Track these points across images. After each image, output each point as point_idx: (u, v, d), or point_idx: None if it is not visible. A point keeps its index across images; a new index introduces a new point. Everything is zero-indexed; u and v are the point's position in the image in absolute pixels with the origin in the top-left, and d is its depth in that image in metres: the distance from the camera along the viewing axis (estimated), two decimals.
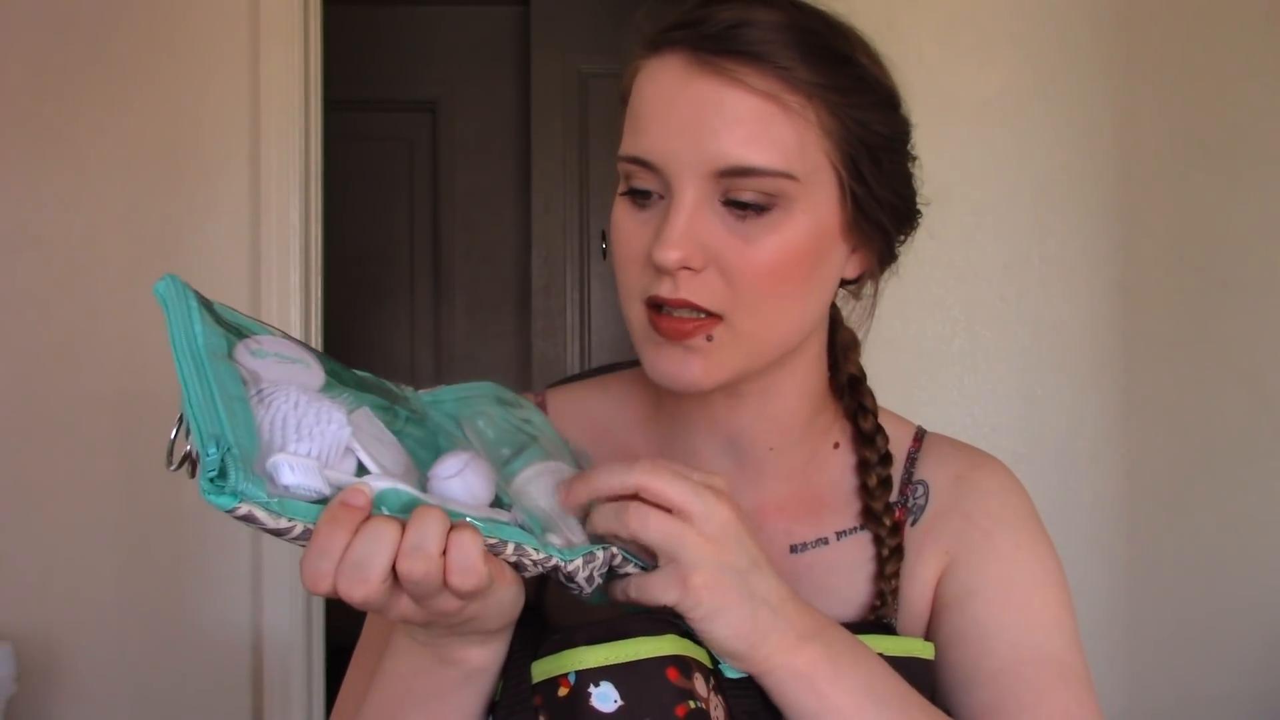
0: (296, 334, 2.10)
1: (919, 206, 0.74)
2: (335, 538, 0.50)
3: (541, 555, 0.56)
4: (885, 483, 0.75)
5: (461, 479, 0.57)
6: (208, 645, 2.09)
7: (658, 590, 0.58)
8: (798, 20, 0.66)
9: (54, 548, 2.07)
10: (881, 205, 0.69)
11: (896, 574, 0.72)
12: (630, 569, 0.60)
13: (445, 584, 0.52)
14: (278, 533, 0.51)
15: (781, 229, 0.64)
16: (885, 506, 0.74)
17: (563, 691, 0.58)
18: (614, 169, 0.70)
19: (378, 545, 0.51)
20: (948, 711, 0.67)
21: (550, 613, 0.73)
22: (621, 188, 0.68)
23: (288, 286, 2.11)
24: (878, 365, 2.25)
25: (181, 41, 2.10)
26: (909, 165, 0.73)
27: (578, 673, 0.58)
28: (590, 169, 3.86)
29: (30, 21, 2.09)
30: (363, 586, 0.50)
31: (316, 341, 2.19)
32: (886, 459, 0.75)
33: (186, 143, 2.11)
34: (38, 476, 2.07)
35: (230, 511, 0.49)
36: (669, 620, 0.61)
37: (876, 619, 0.72)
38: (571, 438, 0.72)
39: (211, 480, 0.49)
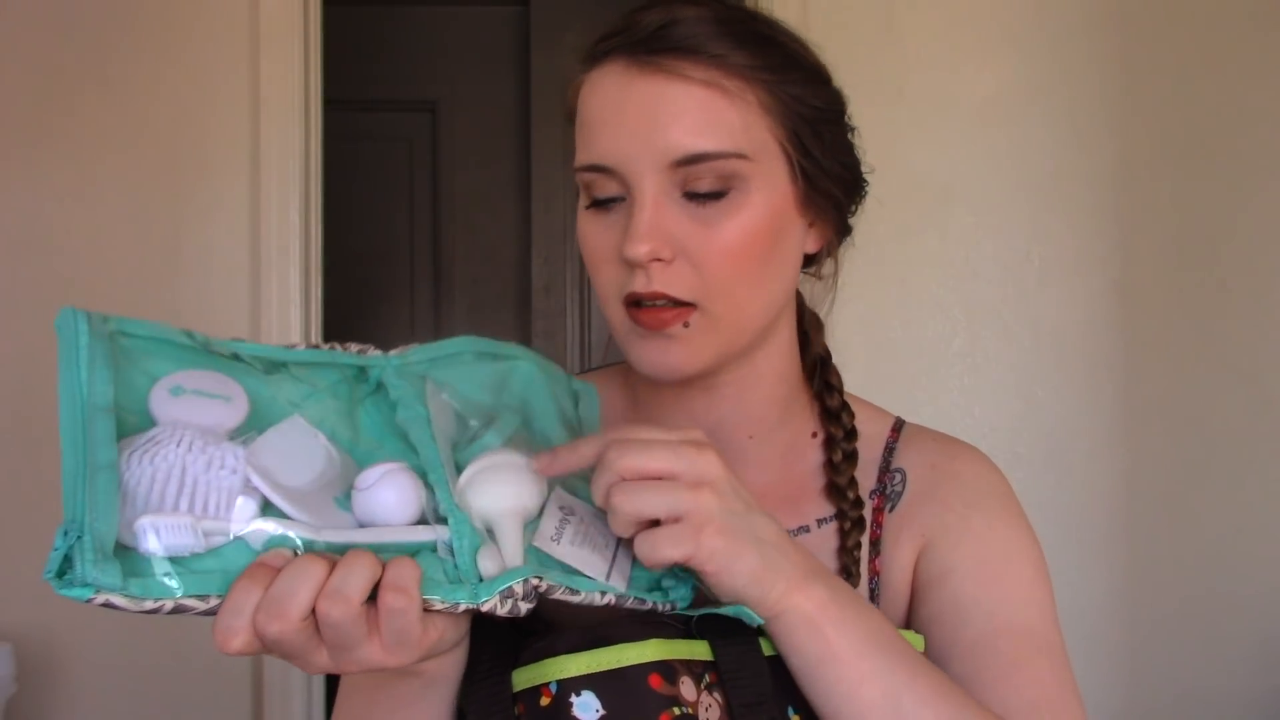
0: (296, 334, 2.10)
1: (864, 175, 0.77)
2: (251, 594, 0.49)
3: (447, 605, 0.53)
4: (850, 457, 0.76)
5: (374, 491, 0.55)
6: (208, 645, 2.08)
7: (668, 547, 0.56)
8: (720, 13, 0.69)
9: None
10: (830, 176, 0.72)
11: (858, 546, 0.74)
12: (560, 594, 0.57)
13: (368, 611, 0.51)
14: (147, 612, 0.48)
15: (740, 211, 0.67)
16: (849, 481, 0.75)
17: (544, 701, 0.58)
18: None
19: (299, 582, 0.49)
20: None
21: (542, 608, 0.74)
22: (583, 201, 0.70)
23: (288, 286, 2.11)
24: (878, 365, 2.24)
25: (182, 42, 2.10)
26: (849, 136, 0.75)
27: (559, 682, 0.58)
28: None
29: (31, 22, 2.09)
30: (278, 622, 0.49)
31: (317, 341, 2.18)
32: (851, 434, 0.77)
33: (186, 143, 2.10)
34: (38, 476, 2.07)
35: (89, 601, 0.47)
36: (653, 623, 0.61)
37: None
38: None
39: (59, 576, 0.47)
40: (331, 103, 2.32)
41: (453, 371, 0.64)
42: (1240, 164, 2.09)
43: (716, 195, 0.66)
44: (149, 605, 0.48)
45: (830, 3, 2.07)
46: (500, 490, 0.58)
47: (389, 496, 0.55)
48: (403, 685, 0.61)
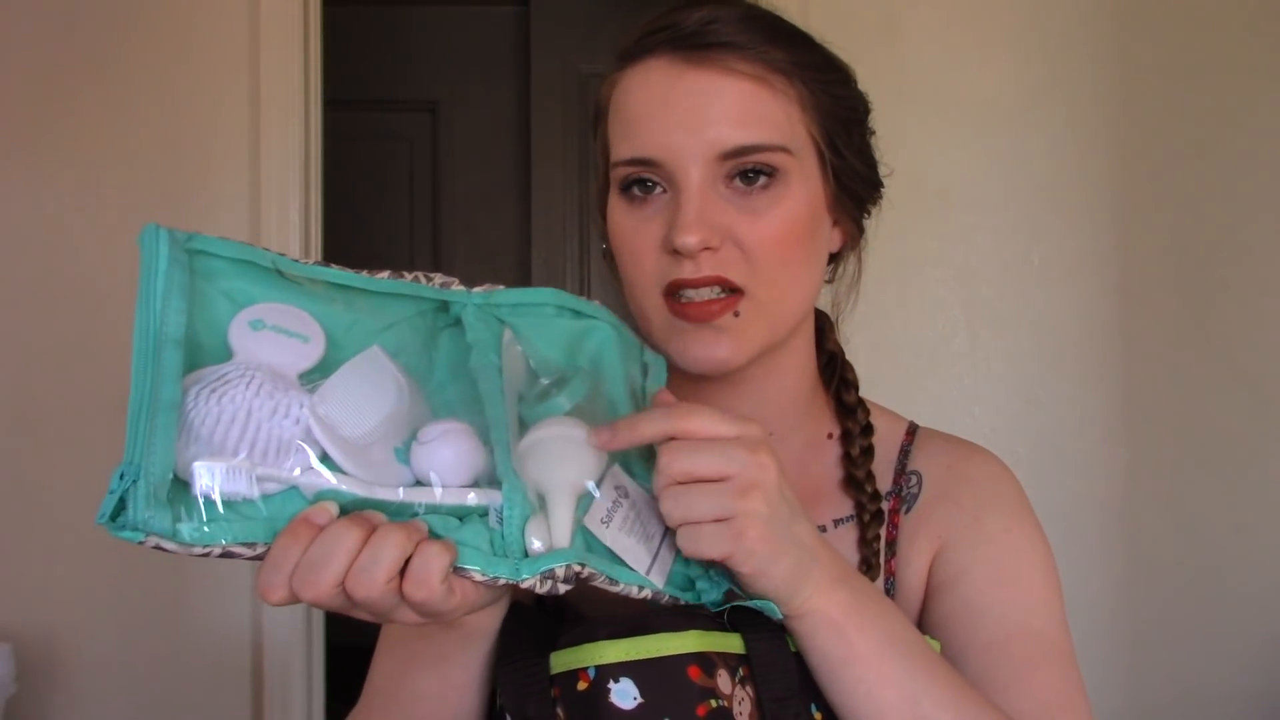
0: None
1: (882, 179, 0.78)
2: (291, 551, 0.51)
3: (486, 578, 0.54)
4: (867, 451, 0.77)
5: (435, 446, 0.55)
6: (208, 645, 2.09)
7: (707, 546, 0.57)
8: (757, 12, 0.71)
9: (54, 548, 2.07)
10: (856, 176, 0.73)
11: (878, 538, 0.74)
12: (600, 582, 0.58)
13: (401, 596, 0.52)
14: (197, 556, 0.50)
15: (783, 200, 0.68)
16: (867, 474, 0.76)
17: (582, 685, 0.58)
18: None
19: (333, 553, 0.50)
20: None
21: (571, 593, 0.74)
22: (616, 196, 0.71)
23: None
24: (878, 366, 2.25)
25: (181, 41, 2.10)
26: (869, 139, 0.77)
27: (598, 667, 0.58)
28: (590, 169, 3.85)
29: (31, 22, 2.09)
30: (312, 589, 0.50)
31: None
32: (868, 429, 0.78)
33: (186, 143, 2.10)
34: (38, 476, 2.07)
35: (141, 544, 0.49)
36: (692, 614, 0.61)
37: None
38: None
39: (110, 519, 0.48)
40: (331, 103, 2.32)
41: (532, 322, 0.63)
42: (1240, 164, 2.09)
43: (761, 186, 0.68)
44: (198, 551, 0.50)
45: (830, 2, 2.07)
46: (558, 463, 0.58)
47: (447, 455, 0.55)
48: (443, 637, 0.62)
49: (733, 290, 0.67)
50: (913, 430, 0.81)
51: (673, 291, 0.68)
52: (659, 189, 0.69)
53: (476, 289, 0.62)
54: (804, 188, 0.69)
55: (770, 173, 0.68)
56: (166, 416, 0.50)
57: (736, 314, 0.68)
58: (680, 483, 0.57)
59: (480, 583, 0.54)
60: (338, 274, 0.58)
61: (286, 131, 2.10)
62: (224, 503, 0.51)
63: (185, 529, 0.49)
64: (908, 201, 2.05)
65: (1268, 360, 2.08)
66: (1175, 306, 2.09)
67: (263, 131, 2.09)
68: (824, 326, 0.82)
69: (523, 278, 4.04)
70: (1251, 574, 2.07)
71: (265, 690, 2.09)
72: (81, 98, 2.09)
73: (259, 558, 0.51)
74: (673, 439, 0.58)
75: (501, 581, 0.54)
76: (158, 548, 0.49)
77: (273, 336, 0.55)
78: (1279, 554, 2.07)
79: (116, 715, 2.08)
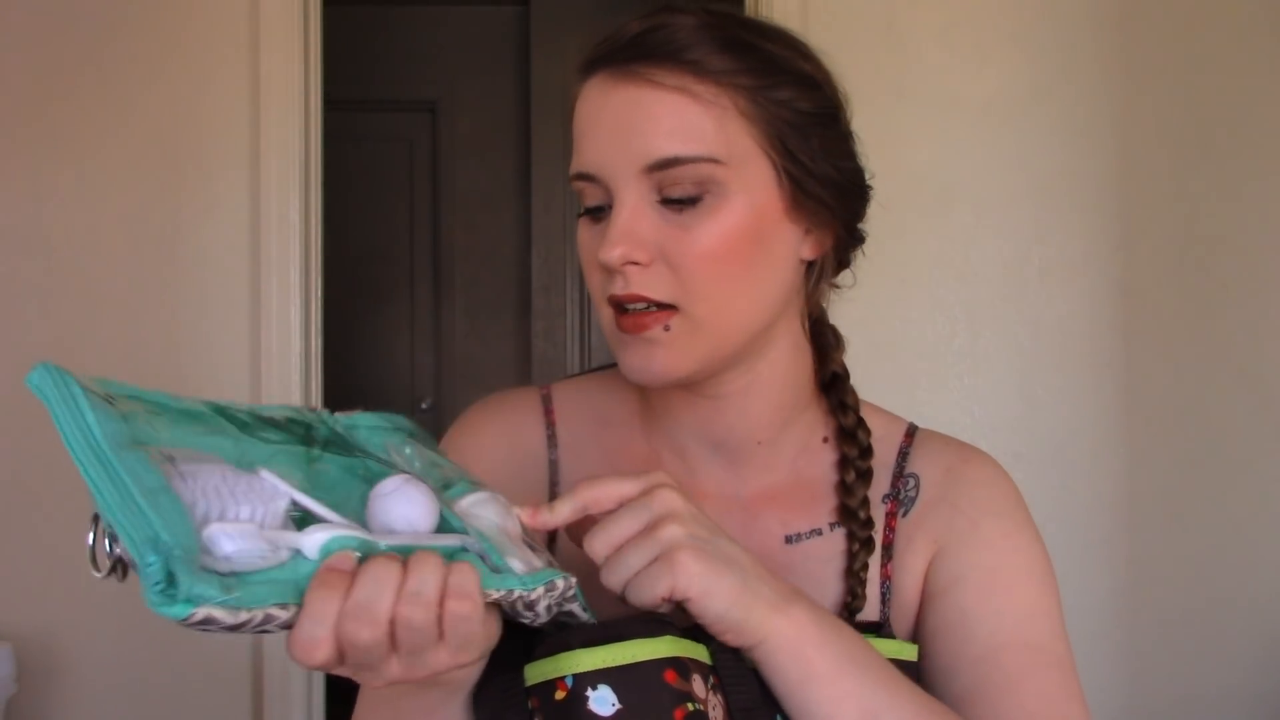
0: (296, 334, 2.10)
1: (867, 181, 0.76)
2: (331, 602, 0.49)
3: (502, 593, 0.54)
4: (864, 476, 0.76)
5: (396, 497, 0.55)
6: (208, 645, 2.09)
7: (649, 586, 0.59)
8: (706, 20, 0.69)
9: (54, 548, 2.07)
10: (822, 182, 0.71)
11: (865, 568, 0.74)
12: (575, 607, 0.59)
13: (440, 614, 0.51)
14: (235, 628, 0.47)
15: (718, 214, 0.67)
16: (861, 501, 0.75)
17: (560, 695, 0.58)
18: None
19: (383, 585, 0.50)
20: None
21: None
22: (580, 209, 0.72)
23: (288, 286, 2.11)
24: (879, 365, 2.24)
25: (181, 42, 2.10)
26: (847, 142, 0.74)
27: (575, 675, 0.58)
28: None
29: (31, 22, 2.09)
30: (369, 628, 0.49)
31: (316, 341, 2.18)
32: (866, 453, 0.77)
33: (186, 143, 2.11)
34: (38, 476, 2.07)
35: (185, 620, 0.45)
36: (664, 621, 0.61)
37: (850, 615, 0.73)
38: (576, 429, 0.77)
39: (161, 591, 0.45)
40: (331, 103, 2.32)
41: (398, 437, 0.65)
42: (1241, 164, 2.09)
43: (692, 200, 0.67)
44: (244, 616, 0.47)
45: (830, 3, 2.07)
46: (503, 516, 0.60)
47: (407, 508, 0.55)
48: (428, 695, 0.61)
49: (663, 305, 0.67)
50: (911, 432, 0.81)
51: (615, 304, 0.68)
52: (608, 208, 0.69)
53: (339, 414, 0.64)
54: (744, 198, 0.67)
55: (698, 197, 0.67)
56: (166, 496, 0.47)
57: (667, 328, 0.67)
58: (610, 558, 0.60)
59: (497, 599, 0.54)
60: (212, 405, 0.57)
61: (286, 131, 2.10)
62: (239, 574, 0.48)
63: (231, 597, 0.46)
64: (908, 201, 2.06)
65: (1268, 360, 2.08)
66: (1176, 306, 2.09)
67: (263, 131, 2.09)
68: (831, 343, 0.80)
69: (523, 277, 4.05)
70: (1252, 574, 2.07)
71: (265, 691, 2.09)
72: (81, 97, 2.09)
73: (288, 624, 0.49)
74: (587, 513, 0.61)
75: (517, 594, 0.55)
76: (206, 620, 0.45)
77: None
78: (1278, 554, 2.07)
79: (116, 715, 2.08)
